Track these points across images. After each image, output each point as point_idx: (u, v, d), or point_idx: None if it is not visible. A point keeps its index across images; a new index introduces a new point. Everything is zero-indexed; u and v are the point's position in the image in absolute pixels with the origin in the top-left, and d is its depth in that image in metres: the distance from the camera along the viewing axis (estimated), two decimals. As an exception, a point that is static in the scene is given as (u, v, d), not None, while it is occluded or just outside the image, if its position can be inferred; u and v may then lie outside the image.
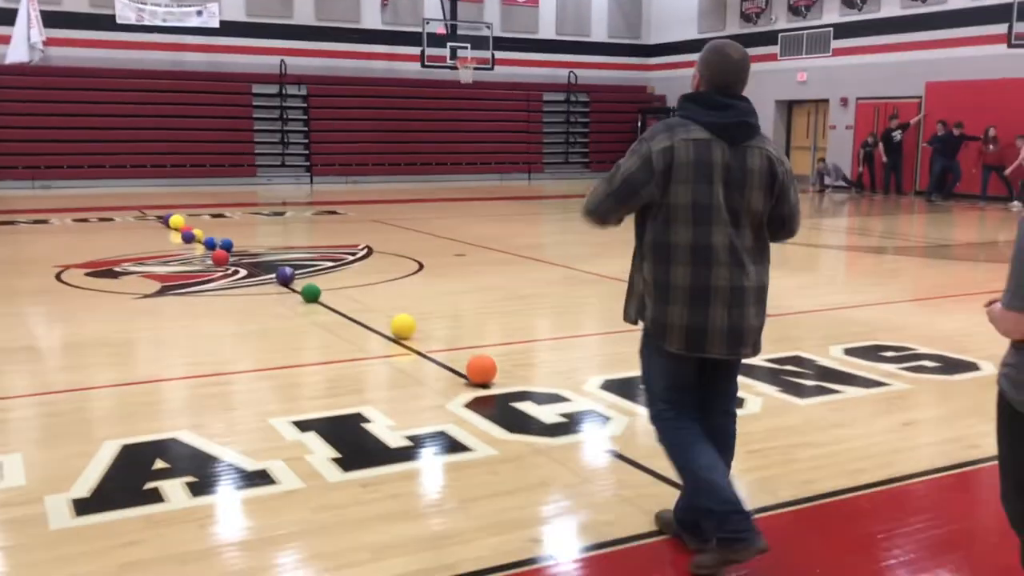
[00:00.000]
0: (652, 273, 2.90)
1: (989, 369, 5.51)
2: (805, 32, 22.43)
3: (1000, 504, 2.36)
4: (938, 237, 13.58)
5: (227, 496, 3.62)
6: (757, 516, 3.05)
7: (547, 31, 25.94)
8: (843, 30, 21.46)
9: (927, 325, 6.88)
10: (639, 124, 26.05)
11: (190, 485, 3.69)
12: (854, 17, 21.24)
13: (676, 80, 26.14)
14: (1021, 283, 2.09)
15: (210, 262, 9.52)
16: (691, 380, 3.03)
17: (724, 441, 3.13)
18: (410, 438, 4.26)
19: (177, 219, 12.63)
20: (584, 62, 26.19)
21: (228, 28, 21.81)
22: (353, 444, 4.22)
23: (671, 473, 3.21)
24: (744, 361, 3.08)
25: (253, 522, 3.38)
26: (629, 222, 3.08)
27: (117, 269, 9.21)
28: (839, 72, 21.53)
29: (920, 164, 19.72)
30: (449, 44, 22.77)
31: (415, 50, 22.80)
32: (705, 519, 2.96)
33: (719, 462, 2.99)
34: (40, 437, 4.35)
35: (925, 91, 19.54)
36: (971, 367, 5.63)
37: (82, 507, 3.47)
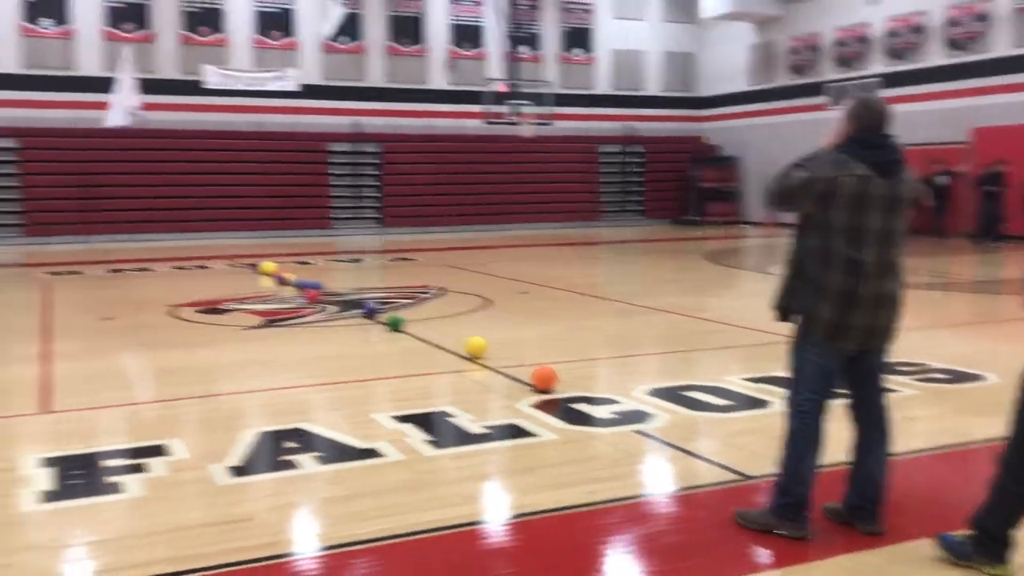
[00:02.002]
0: (817, 277, 3.45)
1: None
2: (851, 83, 23.24)
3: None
4: (982, 274, 14.17)
5: (346, 464, 4.62)
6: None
7: (604, 86, 27.18)
8: (891, 79, 22.22)
9: (941, 347, 7.64)
10: (692, 173, 27.00)
11: (316, 457, 4.70)
12: (901, 67, 22.00)
13: (729, 130, 27.10)
14: None
15: (303, 300, 10.68)
16: (838, 374, 3.58)
17: (884, 426, 3.67)
18: (487, 427, 5.24)
19: (268, 265, 13.88)
20: (639, 115, 27.32)
21: (306, 91, 23.48)
22: (442, 431, 5.21)
23: (697, 449, 4.09)
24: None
25: (370, 479, 4.37)
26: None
27: (222, 307, 10.40)
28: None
29: (967, 207, 20.19)
30: (510, 101, 24.09)
31: (478, 108, 24.15)
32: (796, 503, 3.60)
33: (816, 461, 3.61)
34: (193, 427, 5.42)
35: (971, 136, 20.14)
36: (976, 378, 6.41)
37: (237, 471, 4.50)
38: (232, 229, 22.43)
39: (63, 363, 7.22)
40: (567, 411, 5.64)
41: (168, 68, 22.49)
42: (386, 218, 24.37)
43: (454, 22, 25.35)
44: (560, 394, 6.00)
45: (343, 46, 24.11)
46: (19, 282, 13.60)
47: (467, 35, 25.49)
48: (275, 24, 23.47)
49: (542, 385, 6.08)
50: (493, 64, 25.19)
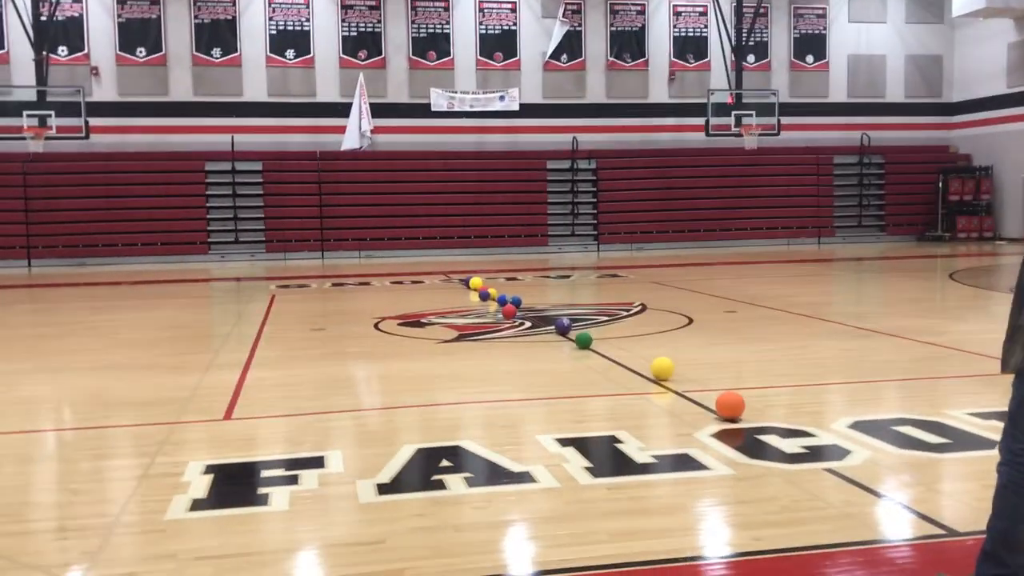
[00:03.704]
0: None
1: None
2: None
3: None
4: None
5: (495, 488, 4.32)
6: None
7: (838, 94, 25.54)
8: None
9: None
10: (939, 185, 24.75)
11: (467, 479, 4.44)
12: None
13: (982, 138, 24.63)
14: None
15: (501, 316, 10.59)
16: None
17: None
18: (656, 456, 4.77)
19: (476, 280, 14.01)
20: (878, 123, 25.41)
21: (526, 110, 23.78)
22: (605, 458, 4.80)
23: (897, 495, 3.44)
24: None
25: (516, 507, 4.05)
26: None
27: (423, 320, 10.51)
28: None
29: None
30: (734, 112, 23.16)
31: (700, 120, 23.41)
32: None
33: None
34: (356, 440, 5.35)
35: None
36: None
37: (384, 489, 4.32)
38: (453, 246, 23.03)
39: (259, 371, 7.46)
40: (751, 443, 5.06)
41: (398, 93, 23.49)
42: (602, 235, 24.11)
43: (677, 34, 24.77)
44: (747, 423, 5.41)
45: (564, 64, 24.19)
46: (253, 294, 14.53)
47: (690, 46, 24.82)
48: (498, 46, 23.94)
49: (727, 413, 5.51)
50: (717, 75, 24.35)
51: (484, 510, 4.02)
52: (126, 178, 21.86)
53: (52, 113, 20.19)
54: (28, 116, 19.91)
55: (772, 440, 5.06)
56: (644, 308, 11.22)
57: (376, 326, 10.15)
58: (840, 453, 4.79)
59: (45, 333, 10.76)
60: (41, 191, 21.46)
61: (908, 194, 25.31)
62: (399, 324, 10.26)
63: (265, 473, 4.63)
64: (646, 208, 24.12)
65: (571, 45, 24.21)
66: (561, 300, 12.79)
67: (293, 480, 4.47)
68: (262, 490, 4.34)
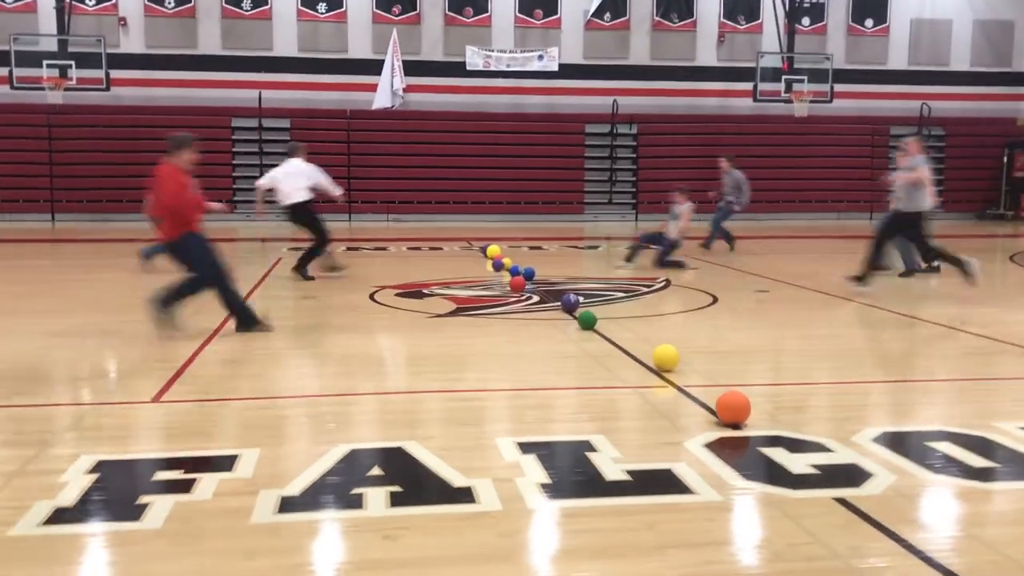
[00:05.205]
0: None
1: None
2: None
3: None
4: None
5: (421, 511, 3.52)
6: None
7: (898, 61, 24.01)
8: None
9: None
10: (1005, 159, 23.22)
11: (393, 495, 3.64)
12: None
13: (1054, 110, 23.01)
14: None
15: (508, 288, 9.76)
16: None
17: None
18: (631, 473, 3.92)
19: (493, 249, 13.14)
20: (940, 93, 23.84)
21: (566, 71, 22.68)
22: (568, 472, 3.97)
23: (922, 540, 2.58)
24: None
25: (431, 539, 3.24)
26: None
27: (425, 291, 9.72)
28: None
29: None
30: (784, 78, 21.85)
31: (748, 85, 22.14)
32: None
33: None
34: (285, 435, 4.58)
35: None
36: None
37: (287, 505, 3.54)
38: (484, 212, 22.15)
39: (219, 344, 6.74)
40: (751, 457, 4.20)
41: (432, 50, 22.57)
42: (641, 203, 23.02)
43: (728, -6, 23.42)
44: (752, 430, 4.54)
45: (606, 23, 23.03)
46: (268, 256, 13.84)
47: (742, 7, 23.46)
48: (538, 2, 22.84)
49: (728, 417, 4.63)
50: (769, 37, 22.99)
51: (392, 543, 3.21)
52: (151, 132, 21.22)
53: (72, 64, 19.65)
54: (48, 66, 19.37)
55: (777, 454, 4.19)
56: (668, 284, 10.30)
57: (372, 296, 9.39)
58: (858, 476, 3.90)
59: (16, 291, 10.10)
60: (65, 143, 21.02)
61: (970, 168, 23.77)
62: (397, 294, 9.49)
63: (159, 475, 3.89)
64: (689, 176, 22.80)
65: (615, 3, 23.01)
66: (580, 273, 11.91)
67: (187, 487, 3.72)
68: (143, 499, 3.58)
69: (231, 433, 4.55)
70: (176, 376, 5.66)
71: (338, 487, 3.76)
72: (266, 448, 4.25)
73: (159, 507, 3.49)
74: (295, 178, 10.62)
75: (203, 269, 7.02)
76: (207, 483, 3.76)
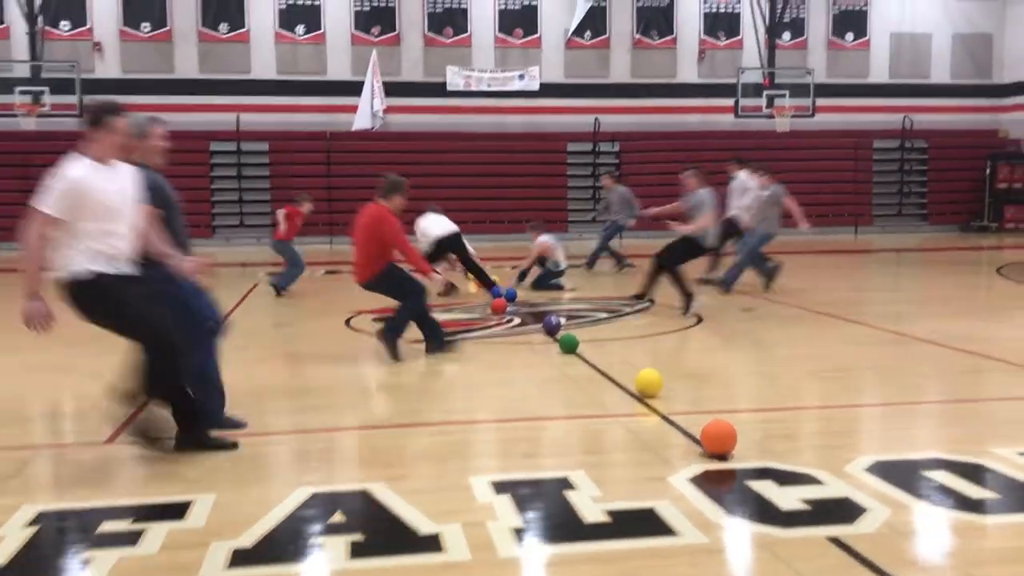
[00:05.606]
0: None
1: None
2: None
3: None
4: None
5: (382, 562, 3.26)
6: None
7: (879, 75, 24.00)
8: None
9: None
10: (987, 171, 23.20)
11: (353, 545, 3.39)
12: None
13: (1035, 121, 23.02)
14: None
15: (490, 311, 9.52)
16: None
17: None
18: (611, 513, 3.67)
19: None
20: (921, 106, 23.83)
21: (547, 90, 22.55)
22: (544, 514, 3.72)
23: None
24: None
25: (394, 595, 2.99)
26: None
27: (402, 316, 9.45)
28: None
29: None
30: (766, 93, 21.79)
31: (730, 101, 22.07)
32: None
33: None
34: (244, 477, 4.29)
35: None
36: None
37: (239, 558, 3.28)
38: (467, 231, 21.78)
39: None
40: (739, 492, 3.96)
41: (412, 71, 22.41)
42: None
43: (708, 10, 23.38)
44: (739, 462, 4.31)
45: (587, 42, 22.94)
46: (247, 282, 13.56)
47: (722, 23, 23.42)
48: (518, 22, 22.74)
49: (713, 448, 4.40)
50: (749, 53, 22.95)
51: (350, 601, 2.96)
52: (128, 158, 21.03)
53: (46, 90, 19.37)
54: (20, 92, 19.09)
55: (766, 488, 3.95)
56: (652, 303, 10.08)
57: (348, 321, 9.13)
58: (852, 512, 3.67)
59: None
60: (41, 171, 20.67)
61: (952, 181, 23.73)
62: (375, 319, 9.22)
63: (105, 527, 3.61)
64: (671, 193, 22.69)
65: (595, 21, 22.93)
66: (565, 293, 11.68)
67: (134, 539, 3.45)
68: (84, 554, 3.32)
69: (187, 476, 4.28)
70: (134, 416, 5.38)
71: (297, 536, 3.50)
72: (222, 493, 3.98)
73: (100, 563, 3.22)
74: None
75: (413, 289, 7.21)
76: (155, 534, 3.49)
